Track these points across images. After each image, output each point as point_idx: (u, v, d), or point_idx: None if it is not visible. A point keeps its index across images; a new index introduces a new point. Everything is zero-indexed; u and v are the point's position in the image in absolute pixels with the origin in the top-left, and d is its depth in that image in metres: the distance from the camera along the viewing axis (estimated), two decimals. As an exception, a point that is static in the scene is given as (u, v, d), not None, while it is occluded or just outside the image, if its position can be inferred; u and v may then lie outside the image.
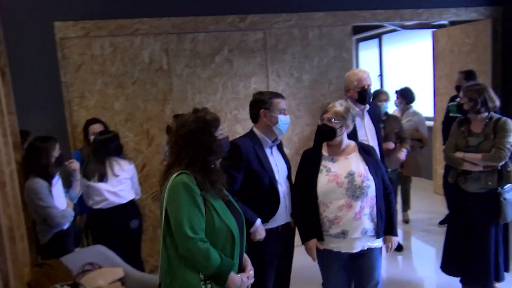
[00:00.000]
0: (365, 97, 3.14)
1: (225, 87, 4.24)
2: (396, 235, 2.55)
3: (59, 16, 3.77)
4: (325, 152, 2.54)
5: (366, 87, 3.13)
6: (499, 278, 3.03)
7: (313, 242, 2.47)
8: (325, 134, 2.49)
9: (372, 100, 4.28)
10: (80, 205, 3.34)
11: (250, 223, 2.41)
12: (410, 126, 4.69)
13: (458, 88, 4.44)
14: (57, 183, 2.93)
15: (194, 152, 1.89)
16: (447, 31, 5.56)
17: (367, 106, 3.23)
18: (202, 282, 1.85)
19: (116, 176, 3.25)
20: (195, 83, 4.15)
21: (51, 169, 2.86)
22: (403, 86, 5.03)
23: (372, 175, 2.44)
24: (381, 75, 7.70)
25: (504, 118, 2.94)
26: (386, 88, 7.54)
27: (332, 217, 2.42)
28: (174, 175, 1.87)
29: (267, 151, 2.57)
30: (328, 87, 4.57)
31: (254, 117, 2.61)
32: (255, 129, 2.60)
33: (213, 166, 1.95)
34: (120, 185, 3.28)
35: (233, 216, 1.97)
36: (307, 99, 4.51)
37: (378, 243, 2.51)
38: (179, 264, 1.87)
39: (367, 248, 2.47)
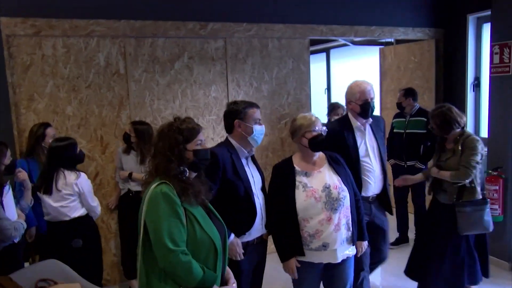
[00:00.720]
0: (367, 111, 2.92)
1: (184, 95, 4.15)
2: (366, 239, 2.65)
3: (6, 11, 3.49)
4: (297, 166, 2.52)
5: (369, 100, 2.93)
6: (471, 282, 3.20)
7: (293, 261, 2.46)
8: (321, 143, 2.50)
9: (329, 113, 4.40)
10: (28, 218, 3.06)
11: None
12: None
13: (399, 105, 4.68)
14: (8, 193, 2.67)
15: (167, 162, 1.84)
16: (394, 49, 5.86)
17: (370, 120, 3.02)
18: None
19: (58, 191, 2.96)
20: (153, 89, 4.02)
21: (0, 178, 2.61)
22: (334, 102, 5.12)
23: (345, 185, 2.48)
24: (328, 89, 7.94)
25: (471, 136, 3.09)
26: (334, 101, 7.80)
27: (313, 231, 2.42)
28: (153, 185, 1.80)
29: (243, 161, 2.52)
30: (286, 98, 4.62)
31: (229, 128, 2.55)
32: (230, 139, 2.55)
33: (188, 176, 1.88)
34: (63, 201, 2.99)
35: (215, 226, 1.91)
36: (266, 109, 4.53)
37: (353, 251, 2.57)
38: (159, 278, 1.78)
39: (346, 257, 2.51)
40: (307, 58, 4.70)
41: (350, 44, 6.34)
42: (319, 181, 2.45)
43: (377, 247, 3.13)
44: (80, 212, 3.07)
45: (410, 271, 3.36)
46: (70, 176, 3.00)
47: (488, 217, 3.06)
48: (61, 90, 3.70)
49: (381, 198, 3.10)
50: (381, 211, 3.14)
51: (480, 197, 3.10)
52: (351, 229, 2.49)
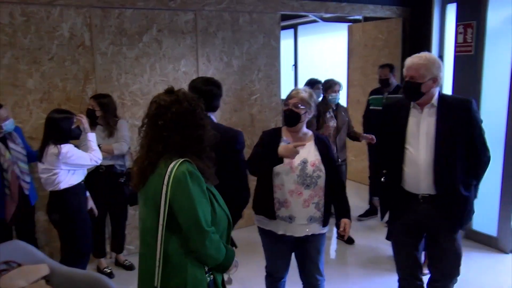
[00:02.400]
0: (406, 92, 2.51)
1: (153, 69, 4.02)
2: (348, 218, 2.58)
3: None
4: (285, 136, 2.57)
5: (408, 79, 2.47)
6: None
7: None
8: (289, 119, 2.50)
9: (326, 91, 4.28)
10: None
11: None
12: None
13: (385, 81, 4.62)
14: None
15: (188, 137, 1.70)
16: (362, 26, 5.91)
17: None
18: (206, 275, 1.75)
19: (42, 163, 2.97)
20: (120, 62, 3.86)
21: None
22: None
23: (324, 167, 2.49)
24: (295, 65, 7.94)
25: None
26: (300, 78, 7.83)
27: (282, 199, 2.48)
28: (174, 165, 1.65)
29: None
30: (257, 74, 4.58)
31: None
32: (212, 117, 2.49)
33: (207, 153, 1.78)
34: (43, 174, 3.01)
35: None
36: (236, 85, 4.47)
37: (323, 230, 2.58)
38: (184, 261, 1.70)
39: (312, 234, 2.53)
40: (278, 34, 4.65)
41: (319, 20, 6.33)
42: (299, 154, 2.43)
43: (434, 264, 2.65)
44: (52, 186, 3.00)
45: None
46: (52, 151, 2.92)
47: None
48: (21, 62, 3.49)
49: (444, 204, 2.44)
50: (444, 222, 2.48)
51: None
52: (322, 210, 2.51)
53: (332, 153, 2.62)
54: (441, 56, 5.12)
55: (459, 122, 2.37)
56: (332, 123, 4.21)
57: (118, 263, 3.86)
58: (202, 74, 4.24)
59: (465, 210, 2.45)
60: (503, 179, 3.92)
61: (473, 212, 2.52)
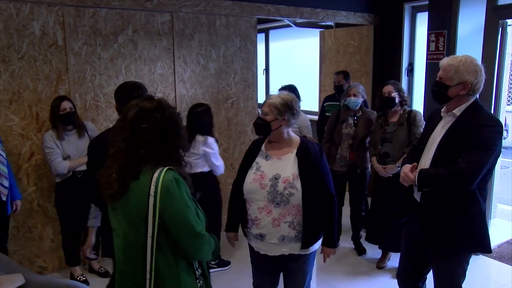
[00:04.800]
0: (433, 95, 2.34)
1: (128, 70, 3.92)
2: (333, 247, 2.42)
3: None
4: (264, 147, 2.39)
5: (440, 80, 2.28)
6: None
7: (232, 234, 2.50)
8: (257, 128, 2.36)
9: (344, 95, 4.16)
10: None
11: None
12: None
13: (339, 88, 4.68)
14: None
15: (170, 145, 1.66)
16: (334, 32, 6.00)
17: None
18: (197, 281, 1.72)
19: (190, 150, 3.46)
20: (94, 63, 3.74)
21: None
22: (287, 84, 4.93)
23: (303, 184, 2.23)
24: (267, 70, 7.97)
25: (415, 110, 3.51)
26: (271, 83, 7.86)
27: (253, 217, 2.32)
28: (159, 173, 1.59)
29: None
30: (233, 77, 4.55)
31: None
32: None
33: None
34: (189, 157, 3.30)
35: None
36: (213, 88, 4.43)
37: (305, 251, 2.35)
38: (175, 272, 1.65)
39: (291, 254, 2.34)
40: (254, 38, 4.66)
41: (293, 25, 6.38)
42: (272, 168, 2.29)
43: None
44: (203, 169, 3.57)
45: (369, 237, 3.86)
46: (199, 139, 3.51)
47: None
48: (-12, 61, 3.32)
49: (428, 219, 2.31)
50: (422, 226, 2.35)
51: None
52: (299, 229, 2.28)
53: (319, 163, 2.31)
54: (411, 63, 5.28)
55: (463, 141, 2.11)
56: (347, 131, 3.95)
57: (92, 270, 3.72)
58: (178, 76, 4.17)
59: (450, 234, 2.20)
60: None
61: (468, 239, 2.22)
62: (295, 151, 2.31)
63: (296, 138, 2.39)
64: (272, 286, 2.56)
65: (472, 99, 2.18)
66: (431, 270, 2.41)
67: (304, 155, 2.28)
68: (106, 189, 1.64)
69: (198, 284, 1.74)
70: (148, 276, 1.61)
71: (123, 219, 1.66)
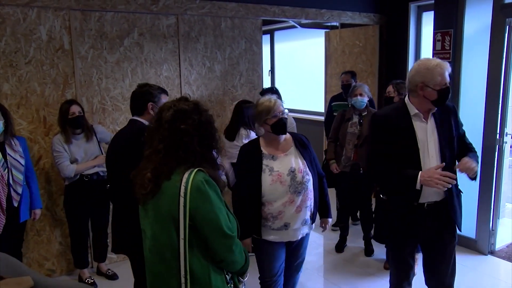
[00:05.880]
0: (444, 99, 2.34)
1: (135, 73, 3.93)
2: (330, 217, 2.80)
3: None
4: (264, 149, 2.54)
5: (448, 84, 2.32)
6: None
7: (249, 240, 2.55)
8: (282, 127, 2.51)
9: (348, 95, 4.15)
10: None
11: None
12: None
13: (347, 87, 4.63)
14: None
15: (205, 146, 1.67)
16: (339, 33, 5.99)
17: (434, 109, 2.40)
18: (228, 285, 1.72)
19: (233, 141, 3.79)
20: (101, 66, 3.76)
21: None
22: (269, 86, 4.77)
23: (309, 169, 2.55)
24: (272, 71, 7.97)
25: None
26: (277, 84, 7.86)
27: (276, 213, 2.49)
28: (189, 174, 1.60)
29: None
30: (239, 79, 4.56)
31: (139, 109, 2.55)
32: (141, 120, 2.54)
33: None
34: (231, 149, 3.74)
35: None
36: (219, 90, 4.44)
37: (311, 228, 2.68)
38: (207, 273, 1.65)
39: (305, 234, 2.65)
40: (259, 39, 4.66)
41: (298, 26, 6.37)
42: (285, 165, 2.50)
43: (432, 270, 2.55)
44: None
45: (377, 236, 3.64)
46: (243, 132, 3.74)
47: None
48: (-4, 66, 3.35)
49: (441, 209, 2.40)
50: (442, 225, 2.44)
51: None
52: (312, 210, 2.59)
53: (312, 151, 2.66)
54: (417, 63, 5.25)
55: (453, 126, 2.41)
56: (352, 130, 3.96)
57: (100, 273, 3.74)
58: (184, 79, 4.19)
59: (461, 211, 2.49)
60: (480, 183, 4.02)
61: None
62: (293, 144, 2.59)
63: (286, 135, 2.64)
64: (279, 275, 2.71)
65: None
66: (436, 258, 2.50)
67: (302, 145, 2.61)
68: (140, 189, 1.67)
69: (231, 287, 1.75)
70: (183, 280, 1.61)
71: (155, 221, 1.66)
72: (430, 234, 2.44)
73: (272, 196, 2.46)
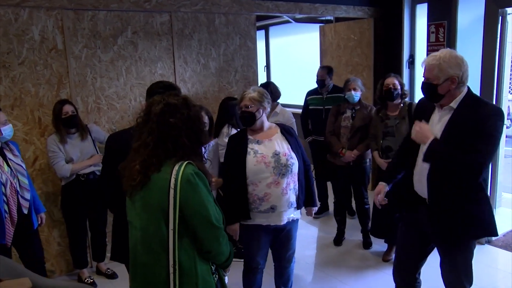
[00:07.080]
0: (423, 92, 2.34)
1: (129, 72, 3.92)
2: (316, 205, 2.90)
3: None
4: (250, 136, 2.68)
5: (426, 80, 2.27)
6: None
7: (237, 225, 2.66)
8: (245, 120, 2.66)
9: (342, 89, 4.15)
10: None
11: None
12: None
13: (322, 82, 4.62)
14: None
15: (194, 141, 1.70)
16: (334, 27, 5.98)
17: None
18: (213, 275, 1.76)
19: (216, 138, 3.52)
20: (95, 66, 3.75)
21: (205, 137, 2.78)
22: (265, 81, 4.73)
23: (294, 153, 2.65)
24: (267, 66, 7.96)
25: (414, 103, 3.48)
26: (273, 79, 7.84)
27: (261, 194, 2.58)
28: (179, 167, 1.62)
29: None
30: (234, 75, 4.56)
31: None
32: None
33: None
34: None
35: None
36: (214, 87, 4.44)
37: (298, 214, 2.76)
38: (194, 264, 1.68)
39: (291, 220, 2.71)
40: (253, 35, 4.65)
41: (292, 21, 6.36)
42: (269, 148, 2.62)
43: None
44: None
45: (374, 231, 3.86)
46: (225, 130, 3.56)
47: None
48: (-11, 67, 3.33)
49: (436, 213, 2.28)
50: (432, 226, 2.33)
51: None
52: (297, 193, 2.68)
53: (298, 140, 2.76)
54: (412, 56, 5.26)
55: (468, 133, 2.11)
56: (345, 124, 3.98)
57: (99, 272, 3.74)
58: (179, 76, 4.18)
59: (460, 223, 2.22)
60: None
61: (476, 226, 2.27)
62: (279, 131, 2.71)
63: (271, 124, 2.77)
64: (263, 260, 2.83)
65: (465, 89, 2.21)
66: (440, 260, 2.44)
67: (288, 133, 2.72)
68: (128, 180, 1.69)
69: (215, 279, 1.77)
70: (171, 270, 1.63)
71: (143, 211, 1.68)
72: (426, 229, 2.38)
73: (256, 176, 2.56)
